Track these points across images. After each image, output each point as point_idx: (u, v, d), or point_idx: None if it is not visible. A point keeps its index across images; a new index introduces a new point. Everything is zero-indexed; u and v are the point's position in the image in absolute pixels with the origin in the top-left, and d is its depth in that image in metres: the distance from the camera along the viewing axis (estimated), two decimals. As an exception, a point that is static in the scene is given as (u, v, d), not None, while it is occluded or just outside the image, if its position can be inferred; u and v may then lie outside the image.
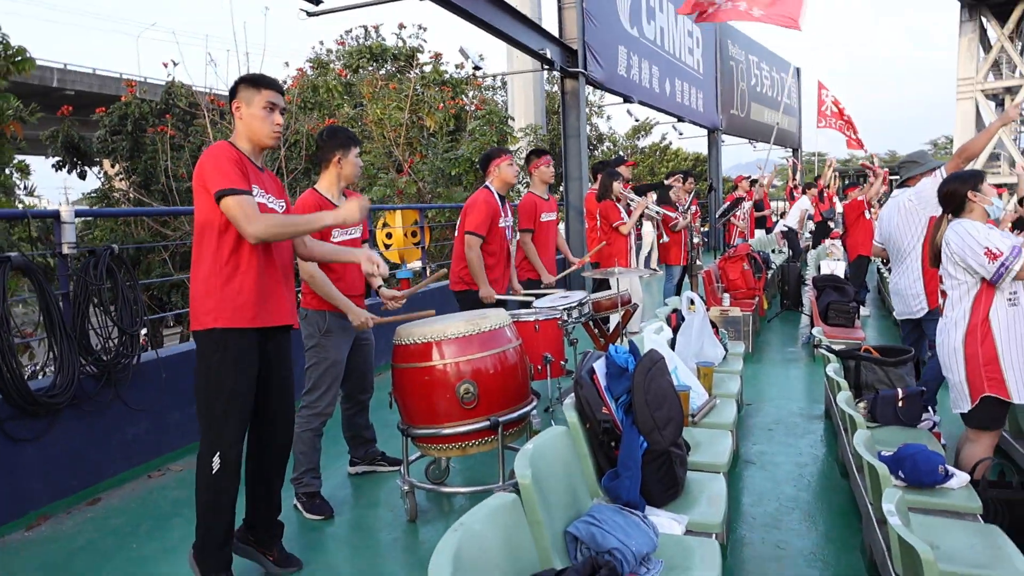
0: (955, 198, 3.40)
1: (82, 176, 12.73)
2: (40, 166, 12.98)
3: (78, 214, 4.22)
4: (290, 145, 10.74)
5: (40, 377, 4.27)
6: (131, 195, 11.13)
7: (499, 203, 4.66)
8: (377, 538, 3.41)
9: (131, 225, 10.78)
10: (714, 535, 2.47)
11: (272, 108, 2.80)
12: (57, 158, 12.44)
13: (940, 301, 4.72)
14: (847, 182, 13.00)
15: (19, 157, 10.00)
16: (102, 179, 12.22)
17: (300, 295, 3.72)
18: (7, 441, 3.55)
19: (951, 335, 3.33)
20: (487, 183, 4.73)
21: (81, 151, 12.03)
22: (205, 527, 2.79)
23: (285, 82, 14.60)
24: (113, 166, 11.86)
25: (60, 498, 3.79)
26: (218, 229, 2.68)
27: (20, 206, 9.54)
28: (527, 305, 4.67)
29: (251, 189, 2.68)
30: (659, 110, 13.76)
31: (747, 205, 10.36)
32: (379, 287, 3.64)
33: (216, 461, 2.73)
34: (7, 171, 9.17)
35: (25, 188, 9.98)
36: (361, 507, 3.75)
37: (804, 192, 12.33)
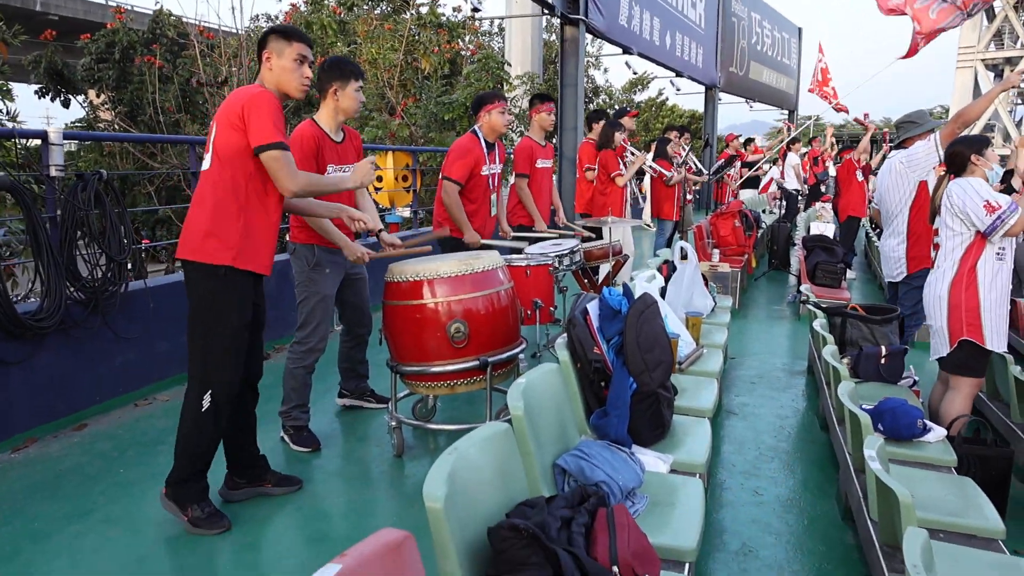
0: (960, 159, 3.52)
1: (66, 104, 12.42)
2: (22, 92, 12.67)
3: (67, 136, 4.13)
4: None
5: (29, 300, 4.22)
6: (117, 125, 10.91)
7: (484, 149, 4.52)
8: (365, 471, 3.46)
9: (116, 157, 10.59)
10: (698, 475, 2.52)
11: (303, 61, 2.81)
12: (40, 85, 12.12)
13: (924, 264, 4.80)
14: (841, 146, 12.94)
15: (0, 81, 9.73)
16: (87, 108, 11.94)
17: (288, 229, 3.69)
18: (-7, 362, 3.54)
19: (938, 283, 3.49)
20: (475, 127, 4.61)
21: (65, 78, 11.71)
22: (186, 461, 2.79)
23: (277, 17, 14.24)
24: (99, 95, 11.59)
25: (47, 421, 3.80)
26: (248, 173, 2.67)
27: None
28: (518, 251, 4.65)
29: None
30: (658, 63, 13.57)
31: (739, 164, 10.35)
32: (380, 230, 3.58)
33: (207, 399, 2.73)
34: (-10, 94, 8.91)
35: (8, 113, 9.70)
36: (349, 442, 3.79)
37: (788, 149, 12.29)
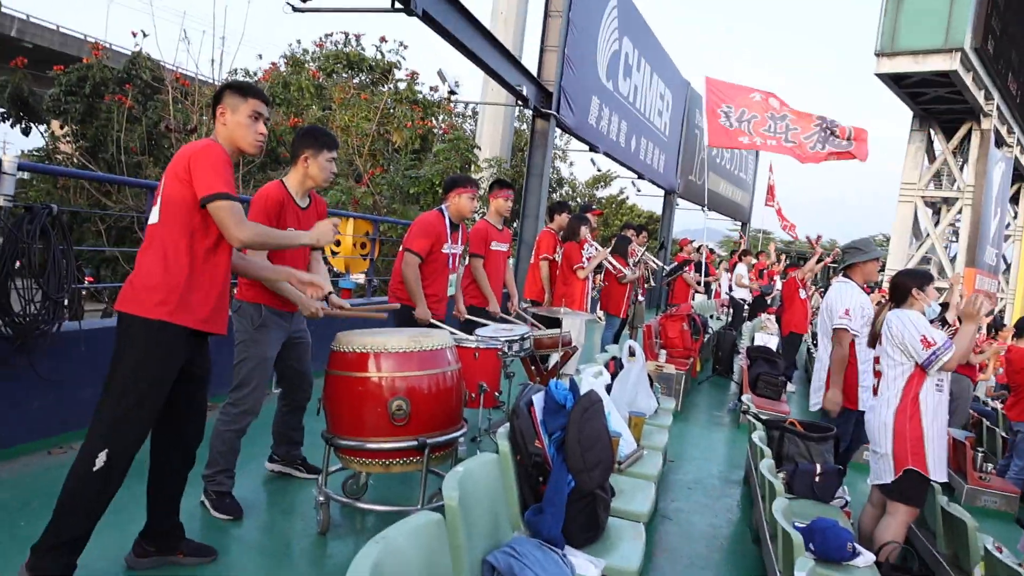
0: (902, 290, 3.71)
1: (26, 132, 12.19)
2: (-21, 115, 12.40)
3: (21, 167, 4.03)
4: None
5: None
6: (76, 159, 10.72)
7: (447, 228, 4.61)
8: (285, 547, 3.29)
9: (70, 191, 10.36)
10: (628, 583, 2.47)
11: (257, 117, 2.81)
12: (1, 109, 11.91)
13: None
14: (788, 262, 13.47)
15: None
16: (47, 138, 11.73)
17: (234, 286, 3.62)
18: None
19: (883, 411, 3.57)
20: (442, 206, 4.71)
21: (30, 106, 11.55)
22: (61, 526, 2.53)
23: (256, 74, 14.41)
24: (62, 127, 11.43)
25: (-53, 462, 3.55)
26: (194, 227, 2.62)
27: (-46, 152, 9.06)
28: (469, 331, 4.64)
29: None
30: (622, 164, 14.06)
31: (688, 269, 10.64)
32: (329, 293, 3.55)
33: (102, 457, 2.53)
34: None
35: (-38, 134, 9.50)
36: (272, 512, 3.62)
37: (740, 259, 12.73)
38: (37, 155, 11.86)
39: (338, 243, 8.44)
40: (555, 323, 6.03)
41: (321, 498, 3.39)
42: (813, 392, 5.14)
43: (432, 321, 4.49)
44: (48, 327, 3.90)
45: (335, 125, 11.58)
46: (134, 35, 11.43)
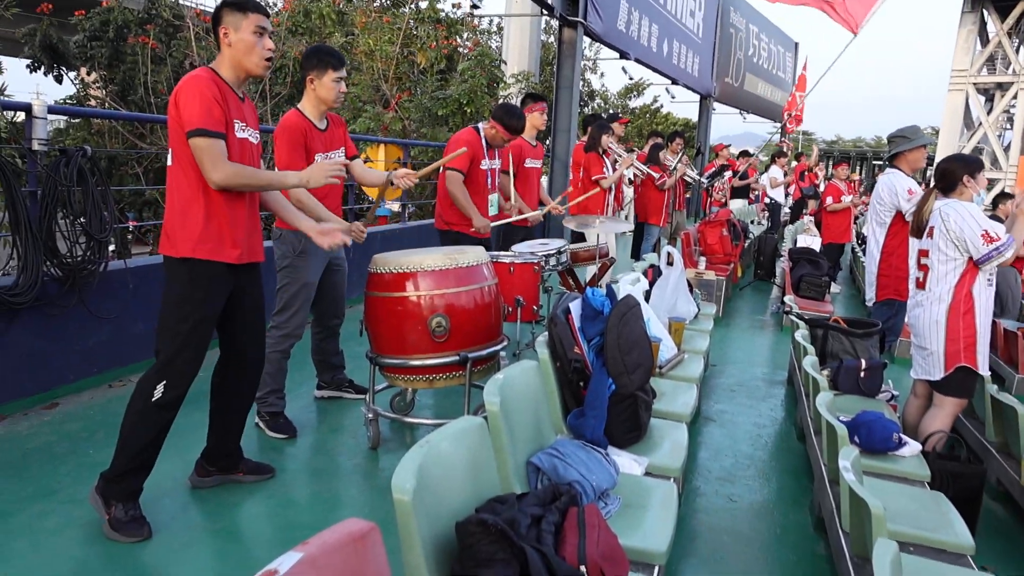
0: (951, 177, 3.49)
1: (58, 80, 12.28)
2: (13, 66, 12.50)
3: (51, 110, 4.07)
4: (276, 69, 10.45)
5: (3, 274, 4.15)
6: (107, 104, 10.78)
7: (484, 145, 4.56)
8: (337, 462, 3.42)
9: (105, 136, 10.47)
10: (672, 479, 2.51)
11: (261, 32, 2.67)
12: (32, 59, 11.97)
13: (890, 295, 4.90)
14: (832, 160, 13.02)
15: (-10, 54, 9.63)
16: (78, 85, 11.80)
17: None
18: (-35, 336, 3.47)
19: (934, 307, 3.43)
20: (478, 124, 4.64)
21: (58, 53, 11.59)
22: (124, 456, 2.65)
23: (276, 4, 14.14)
24: (90, 73, 11.46)
25: (16, 399, 3.73)
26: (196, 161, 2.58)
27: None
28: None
29: (224, 130, 2.57)
30: (654, 70, 13.58)
31: (728, 174, 10.39)
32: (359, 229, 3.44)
33: (160, 389, 2.63)
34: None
35: (-5, 85, 9.59)
36: (324, 431, 3.76)
37: (774, 161, 12.38)
38: (70, 102, 11.96)
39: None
40: (581, 236, 5.97)
41: (370, 415, 3.50)
42: (868, 287, 5.10)
43: (495, 224, 4.53)
44: (95, 266, 4.00)
45: (358, 51, 11.38)
46: (150, -28, 11.27)
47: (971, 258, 3.33)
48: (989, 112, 29.53)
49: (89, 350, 4.12)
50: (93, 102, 11.38)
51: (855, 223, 10.09)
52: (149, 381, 2.66)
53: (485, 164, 4.57)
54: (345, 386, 4.14)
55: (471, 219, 4.45)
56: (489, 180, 4.63)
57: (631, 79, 19.65)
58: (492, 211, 4.70)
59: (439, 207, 4.66)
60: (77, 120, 10.99)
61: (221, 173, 2.53)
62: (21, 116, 4.78)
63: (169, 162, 2.64)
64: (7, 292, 3.57)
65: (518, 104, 5.74)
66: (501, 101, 11.23)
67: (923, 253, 3.55)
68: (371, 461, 3.43)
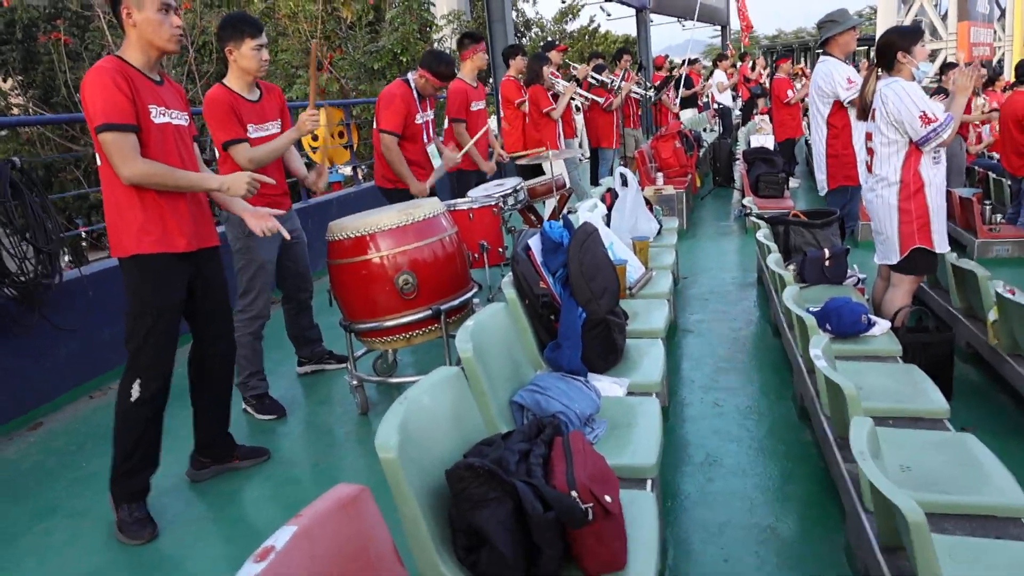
0: (888, 53, 3.40)
1: (-27, 94, 11.76)
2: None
3: (-31, 128, 3.91)
4: (199, 48, 10.09)
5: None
6: (30, 110, 10.38)
7: (416, 98, 4.41)
8: (331, 433, 3.46)
9: (36, 145, 10.11)
10: (654, 394, 2.58)
11: (167, 9, 2.52)
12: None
13: (841, 183, 4.98)
14: (775, 56, 12.99)
15: None
16: (-4, 96, 11.31)
17: None
18: (-70, 371, 3.41)
19: (883, 192, 3.44)
20: (407, 76, 4.49)
21: (-33, 66, 11.06)
22: (119, 456, 2.67)
23: (186, -22, 13.53)
24: (6, 80, 10.99)
25: (0, 424, 3.70)
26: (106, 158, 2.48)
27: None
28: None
29: (134, 120, 2.45)
30: (585, -10, 13.31)
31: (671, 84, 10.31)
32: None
33: (136, 388, 2.62)
34: None
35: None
36: (312, 405, 3.78)
37: (716, 65, 12.30)
38: (-9, 115, 11.48)
39: (315, 137, 8.22)
40: (539, 171, 5.96)
41: (354, 382, 3.52)
42: (818, 173, 5.16)
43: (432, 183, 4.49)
44: (49, 280, 3.92)
45: (281, 15, 11.00)
46: (47, -36, 10.72)
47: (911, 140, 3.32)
48: (924, -16, 29.46)
49: (61, 364, 4.06)
50: (16, 110, 10.96)
51: (804, 116, 10.13)
52: (125, 382, 2.65)
53: (419, 118, 4.41)
54: (325, 358, 4.15)
55: (408, 185, 4.37)
56: (425, 133, 4.52)
57: (563, 2, 19.24)
58: (436, 162, 4.61)
59: (378, 164, 4.55)
60: (4, 132, 10.59)
61: (130, 170, 2.44)
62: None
63: (99, 162, 2.56)
64: (-36, 320, 3.49)
65: (455, 47, 5.60)
66: (435, 46, 10.97)
67: (868, 136, 3.54)
68: (363, 427, 3.47)
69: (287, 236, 2.91)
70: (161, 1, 2.51)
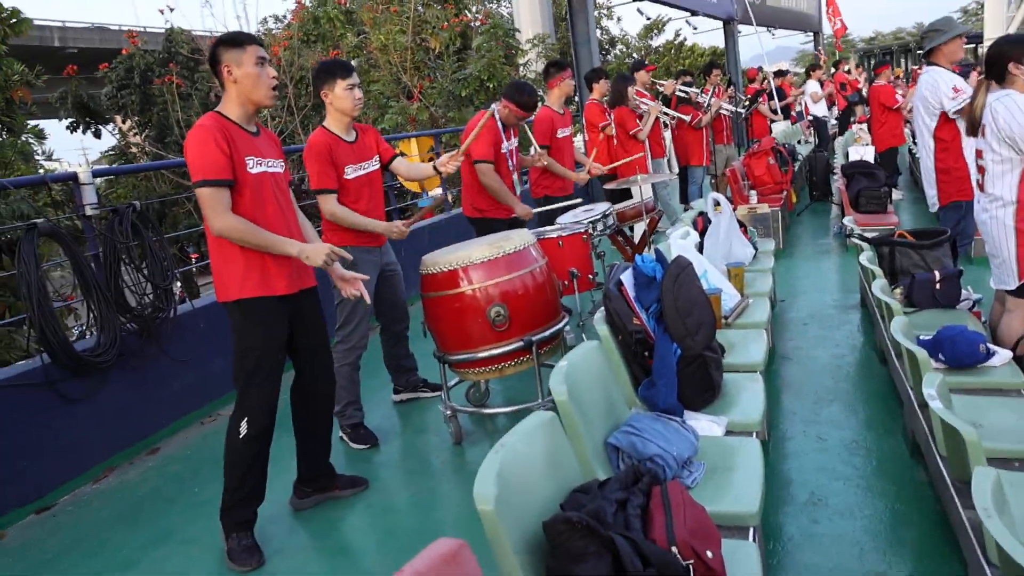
0: (998, 63, 3.20)
1: (97, 135, 12.76)
2: (55, 129, 13.03)
3: (96, 174, 4.23)
4: (296, 81, 10.58)
5: (87, 336, 4.38)
6: (147, 149, 11.14)
7: (500, 127, 4.52)
8: (426, 462, 3.52)
9: (152, 180, 10.85)
10: (754, 433, 2.49)
11: (263, 63, 2.69)
12: (70, 119, 12.44)
13: (954, 198, 4.71)
14: (874, 61, 12.45)
15: (32, 122, 10.04)
16: (117, 136, 12.22)
17: (320, 233, 3.72)
18: (62, 401, 3.68)
19: (998, 212, 3.22)
20: (493, 107, 4.57)
21: (92, 110, 12.01)
22: (229, 488, 2.81)
23: (285, 16, 14.26)
24: (125, 121, 11.85)
25: (121, 450, 3.95)
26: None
27: (41, 171, 9.61)
28: (573, 207, 4.77)
29: (230, 175, 2.59)
30: (670, 5, 13.19)
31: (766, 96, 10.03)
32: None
33: (244, 426, 2.75)
34: (23, 137, 9.21)
35: (43, 153, 10.00)
36: (408, 434, 3.86)
37: (809, 75, 11.85)
38: (113, 154, 12.41)
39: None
40: (627, 194, 5.91)
41: (448, 412, 3.57)
42: (928, 187, 4.94)
43: (539, 210, 4.66)
44: (165, 314, 4.18)
45: (372, 48, 11.40)
46: (161, 12, 11.52)
47: None
48: (1038, -27, 27.55)
49: (175, 393, 4.31)
50: (134, 148, 11.79)
51: (906, 124, 9.65)
52: (234, 420, 2.80)
53: (504, 147, 4.53)
54: (420, 386, 4.23)
55: (512, 208, 4.46)
56: (511, 162, 4.60)
57: (648, 19, 19.09)
58: (517, 190, 4.69)
59: (467, 194, 4.66)
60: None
61: (221, 224, 2.58)
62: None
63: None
64: (91, 354, 3.77)
65: (542, 75, 5.65)
66: (520, 71, 11.09)
67: (978, 153, 3.33)
68: (458, 456, 3.51)
69: (368, 300, 3.03)
70: (257, 56, 2.67)
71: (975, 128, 3.36)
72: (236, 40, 2.68)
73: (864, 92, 11.76)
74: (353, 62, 11.26)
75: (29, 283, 3.50)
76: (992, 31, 26.10)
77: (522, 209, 4.48)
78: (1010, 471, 2.23)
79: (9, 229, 5.85)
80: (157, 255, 4.17)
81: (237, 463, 2.80)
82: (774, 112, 9.85)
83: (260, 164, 2.73)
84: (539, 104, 4.66)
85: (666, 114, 7.23)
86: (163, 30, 12.17)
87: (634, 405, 2.56)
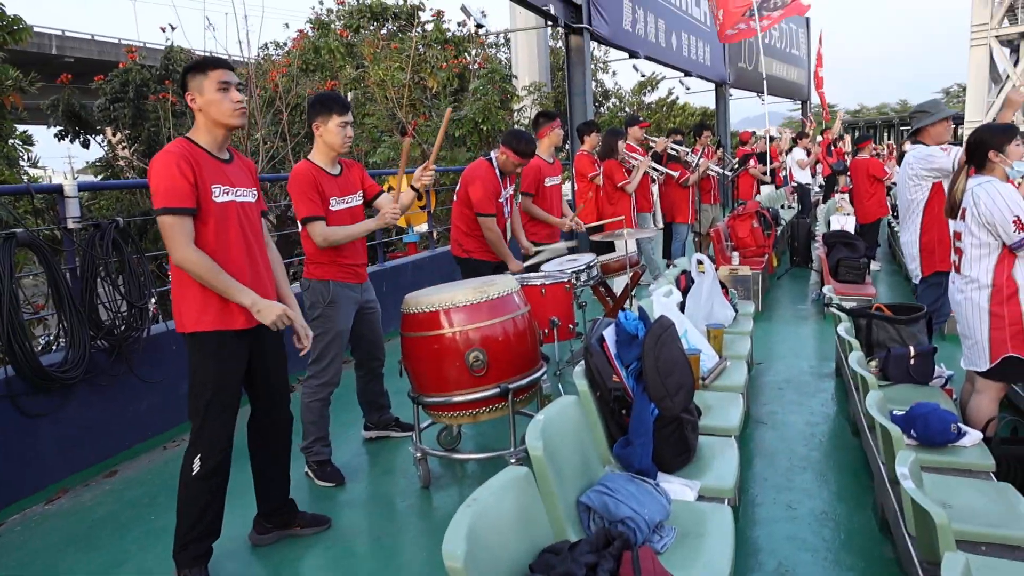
0: (979, 150, 3.30)
1: (85, 145, 12.67)
2: (42, 136, 12.91)
3: (81, 188, 4.19)
4: (292, 108, 10.62)
5: (54, 348, 4.28)
6: (134, 163, 11.08)
7: (498, 175, 4.58)
8: (391, 504, 3.45)
9: (136, 194, 10.74)
10: (726, 500, 2.48)
11: (226, 87, 2.61)
12: (59, 128, 12.37)
13: (938, 267, 4.80)
14: (857, 135, 12.82)
15: (20, 127, 9.96)
16: (105, 148, 12.15)
17: (303, 265, 3.70)
18: (22, 417, 3.58)
19: (974, 295, 3.29)
20: (490, 155, 4.64)
21: (83, 119, 11.95)
22: (183, 524, 2.72)
23: (286, 44, 14.39)
24: (115, 134, 11.80)
25: (77, 471, 3.84)
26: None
27: (25, 178, 9.52)
28: (570, 250, 4.91)
29: (192, 204, 2.53)
30: (666, 65, 13.50)
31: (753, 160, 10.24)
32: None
33: (196, 463, 2.67)
34: (10, 142, 9.12)
35: (29, 160, 9.91)
36: (375, 474, 3.79)
37: (795, 143, 12.13)
38: (99, 165, 12.32)
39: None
40: (611, 246, 5.96)
41: (418, 454, 3.52)
42: (910, 261, 5.04)
43: (528, 263, 4.76)
44: (138, 333, 4.10)
45: (370, 82, 11.51)
46: (163, 30, 11.57)
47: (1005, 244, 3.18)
48: (1016, 63, 28.67)
49: (141, 415, 4.22)
50: (122, 162, 11.71)
51: (888, 195, 9.86)
52: (188, 456, 2.71)
53: (503, 195, 4.60)
54: (392, 425, 4.18)
55: (507, 263, 4.58)
56: (507, 209, 4.66)
57: (643, 76, 19.53)
58: (508, 235, 4.77)
59: (455, 234, 4.71)
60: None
61: (180, 255, 2.51)
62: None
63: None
64: (58, 369, 3.68)
65: (532, 123, 5.74)
66: (515, 116, 11.24)
67: (957, 236, 3.42)
68: (424, 500, 3.45)
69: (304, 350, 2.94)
70: (219, 81, 2.61)
71: (955, 211, 3.45)
72: (200, 66, 2.64)
73: (848, 162, 12.04)
74: (350, 94, 11.36)
75: (1, 293, 3.43)
76: (973, 114, 27.02)
77: (515, 266, 4.59)
78: (977, 555, 2.23)
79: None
80: (135, 272, 4.12)
81: (191, 500, 2.71)
82: (763, 174, 10.06)
83: (227, 193, 2.66)
84: (535, 152, 4.74)
85: (655, 169, 7.34)
86: (163, 47, 12.22)
87: (608, 463, 2.54)
